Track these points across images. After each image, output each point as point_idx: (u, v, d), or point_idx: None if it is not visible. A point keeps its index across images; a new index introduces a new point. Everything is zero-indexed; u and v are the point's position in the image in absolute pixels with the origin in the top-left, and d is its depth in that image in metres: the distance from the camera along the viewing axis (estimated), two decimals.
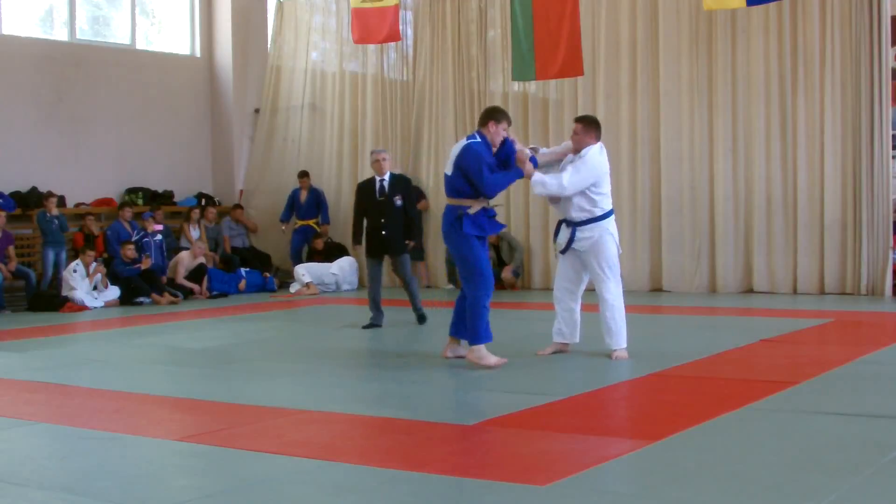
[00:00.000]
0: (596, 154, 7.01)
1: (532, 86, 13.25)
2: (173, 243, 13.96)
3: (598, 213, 7.07)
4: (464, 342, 7.04)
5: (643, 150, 12.61)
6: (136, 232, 13.29)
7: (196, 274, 13.39)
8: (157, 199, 14.65)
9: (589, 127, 7.07)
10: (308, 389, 6.56)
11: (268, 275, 14.32)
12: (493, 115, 6.94)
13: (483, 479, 4.16)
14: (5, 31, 13.30)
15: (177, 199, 15.01)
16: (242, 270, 14.01)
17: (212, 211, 14.70)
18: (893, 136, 11.24)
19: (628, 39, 12.67)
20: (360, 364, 7.34)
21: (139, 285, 12.59)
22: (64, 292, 12.11)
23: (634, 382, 6.32)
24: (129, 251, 12.69)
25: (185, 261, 13.35)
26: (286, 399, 6.13)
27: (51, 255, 12.58)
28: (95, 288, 12.32)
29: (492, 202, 6.99)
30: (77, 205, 13.83)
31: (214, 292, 13.40)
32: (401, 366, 7.01)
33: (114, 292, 12.46)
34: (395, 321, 9.67)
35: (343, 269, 13.97)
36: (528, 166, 6.93)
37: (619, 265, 7.27)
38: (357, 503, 3.93)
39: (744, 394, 5.74)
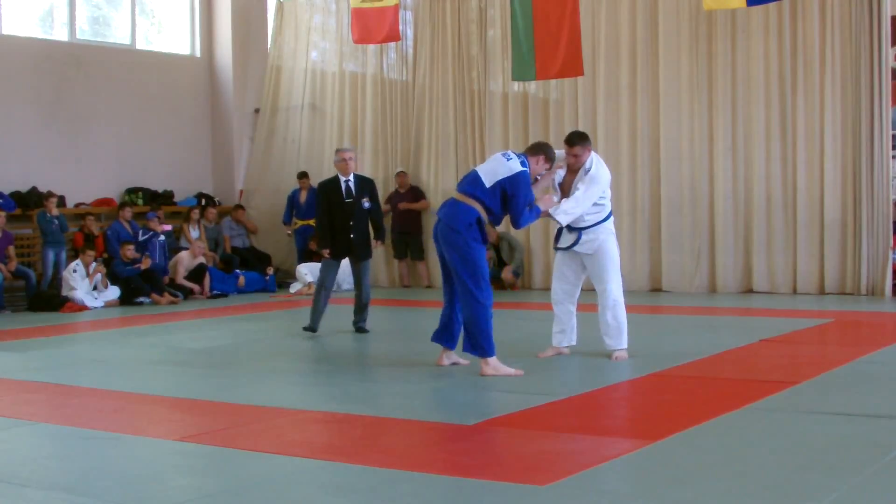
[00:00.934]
0: (601, 165, 7.06)
1: (532, 86, 13.25)
2: (173, 243, 13.96)
3: (602, 216, 7.07)
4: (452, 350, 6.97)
5: (643, 150, 12.61)
6: (142, 232, 13.30)
7: (197, 274, 13.39)
8: (157, 199, 14.65)
9: (586, 143, 7.03)
10: (308, 389, 6.57)
11: (270, 273, 14.29)
12: (548, 153, 6.83)
13: (483, 479, 4.15)
14: (5, 31, 13.30)
15: (177, 199, 15.02)
16: (238, 271, 14.02)
17: (212, 211, 14.71)
18: (893, 136, 11.25)
19: (628, 39, 12.67)
20: (359, 364, 7.34)
21: (139, 285, 12.59)
22: (64, 292, 12.11)
23: (634, 382, 6.32)
24: (129, 251, 12.69)
25: (184, 261, 13.35)
26: (286, 399, 6.13)
27: (51, 255, 12.58)
28: (95, 288, 12.32)
29: None
30: (77, 205, 13.83)
31: (215, 292, 13.40)
32: (400, 366, 7.00)
33: (114, 292, 12.46)
34: (396, 322, 9.66)
35: (343, 267, 13.95)
36: (547, 201, 6.87)
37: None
38: (357, 503, 3.93)
39: (744, 394, 5.74)
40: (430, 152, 14.24)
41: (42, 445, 5.07)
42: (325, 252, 9.04)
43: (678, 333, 8.85)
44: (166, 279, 13.03)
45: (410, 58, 14.50)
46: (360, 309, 9.05)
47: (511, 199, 6.54)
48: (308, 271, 13.51)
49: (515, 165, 6.56)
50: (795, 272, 11.80)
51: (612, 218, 7.26)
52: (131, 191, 14.47)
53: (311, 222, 14.48)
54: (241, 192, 15.51)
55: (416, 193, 14.14)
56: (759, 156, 11.95)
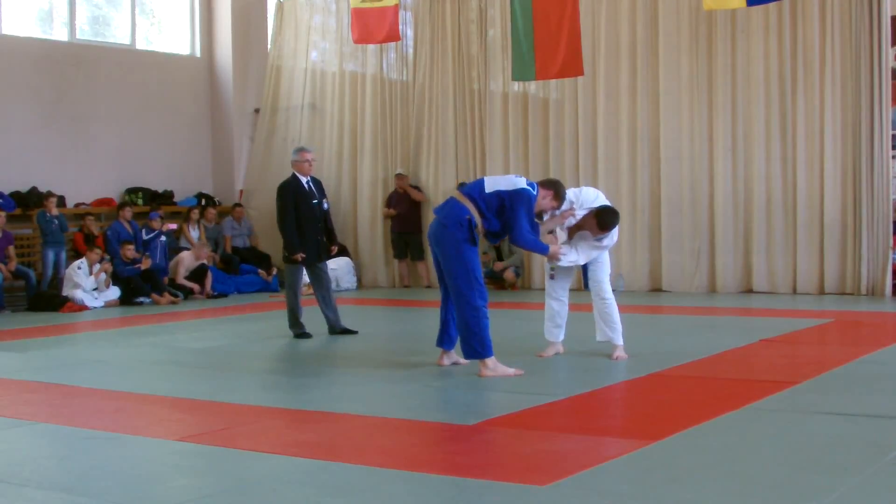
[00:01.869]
0: (613, 236, 7.14)
1: (532, 86, 13.25)
2: (173, 243, 13.97)
3: None
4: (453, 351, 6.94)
5: (643, 150, 12.62)
6: (145, 231, 13.31)
7: (198, 274, 13.39)
8: (157, 199, 14.66)
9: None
10: (307, 389, 6.57)
11: (272, 274, 14.27)
12: (557, 190, 6.75)
13: (483, 479, 4.15)
14: (5, 31, 13.30)
15: (177, 199, 15.02)
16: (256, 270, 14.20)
17: (212, 211, 14.71)
18: (893, 136, 11.25)
19: (628, 39, 12.67)
20: (359, 364, 7.33)
21: (139, 285, 12.59)
22: (66, 290, 12.12)
23: (634, 382, 6.32)
24: (129, 251, 12.69)
25: (185, 261, 13.35)
26: (286, 399, 6.14)
27: (51, 256, 12.58)
28: (96, 289, 12.32)
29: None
30: (77, 205, 13.83)
31: (215, 293, 13.40)
32: (400, 366, 7.00)
33: (114, 292, 12.46)
34: (396, 322, 9.66)
35: (341, 267, 13.97)
36: (554, 247, 6.84)
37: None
38: (357, 503, 3.93)
39: (744, 394, 5.74)
40: (430, 152, 14.24)
41: (42, 445, 5.07)
42: (299, 257, 8.73)
43: (678, 333, 8.84)
44: (166, 279, 13.03)
45: (410, 58, 14.50)
46: (333, 311, 8.89)
47: (509, 211, 6.48)
48: (309, 270, 13.48)
49: (521, 182, 6.54)
50: (795, 272, 11.80)
51: None
52: (131, 191, 14.47)
53: None
54: (241, 192, 15.51)
55: (416, 192, 14.16)
56: (759, 156, 11.95)
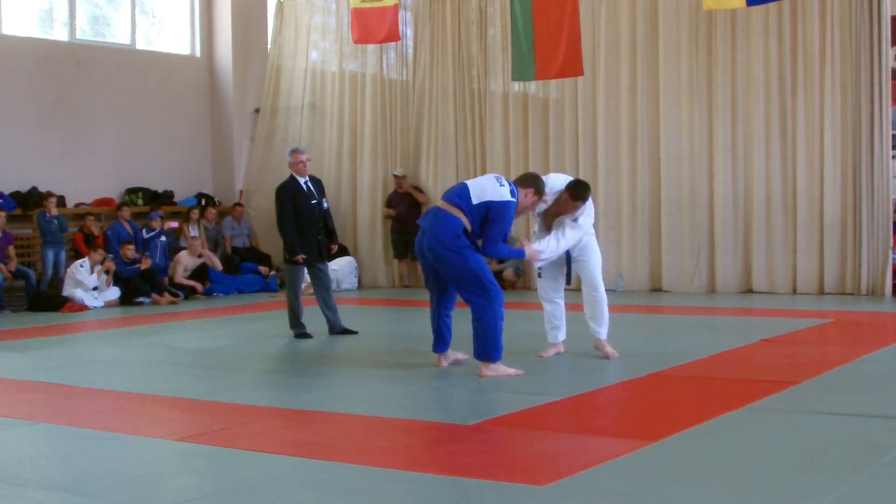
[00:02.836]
0: (588, 214, 6.97)
1: (532, 86, 13.25)
2: (173, 243, 13.97)
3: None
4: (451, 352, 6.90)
5: (643, 150, 12.62)
6: (145, 230, 13.32)
7: (199, 273, 13.39)
8: (157, 199, 14.65)
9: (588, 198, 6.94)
10: (307, 389, 6.56)
11: (271, 273, 14.27)
12: (538, 186, 6.63)
13: (483, 479, 4.15)
14: (5, 31, 13.30)
15: (177, 199, 15.02)
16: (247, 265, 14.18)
17: (212, 211, 14.71)
18: (893, 136, 11.25)
19: (628, 39, 12.68)
20: (359, 364, 7.33)
21: (139, 285, 12.59)
22: (66, 290, 12.12)
23: (634, 382, 6.32)
24: (129, 251, 12.69)
25: (184, 260, 13.35)
26: (285, 399, 6.14)
27: (50, 256, 12.59)
28: (96, 288, 12.31)
29: None
30: (77, 205, 13.83)
31: (215, 293, 13.41)
32: (400, 366, 7.00)
33: (114, 292, 12.46)
34: (396, 322, 9.66)
35: (343, 267, 13.98)
36: (529, 248, 6.77)
37: None
38: (357, 503, 3.93)
39: (744, 394, 5.74)
40: (430, 152, 14.24)
41: (42, 445, 5.07)
42: (300, 258, 8.72)
43: (678, 333, 8.84)
44: (166, 279, 13.03)
45: (410, 58, 14.50)
46: (333, 311, 8.86)
47: (490, 223, 6.41)
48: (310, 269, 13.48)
49: (506, 193, 6.42)
50: (795, 272, 11.80)
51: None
52: (131, 191, 14.47)
53: None
54: (241, 192, 15.50)
55: (416, 192, 14.16)
56: (758, 156, 11.95)
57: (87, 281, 12.14)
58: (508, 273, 12.94)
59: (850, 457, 4.36)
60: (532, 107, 13.41)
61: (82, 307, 11.95)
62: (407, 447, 4.89)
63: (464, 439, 4.93)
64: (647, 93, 12.58)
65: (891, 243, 11.18)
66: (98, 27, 14.64)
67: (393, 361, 7.29)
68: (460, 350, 6.97)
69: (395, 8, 12.89)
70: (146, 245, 13.18)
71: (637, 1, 12.60)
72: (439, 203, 6.60)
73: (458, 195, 6.48)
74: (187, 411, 5.77)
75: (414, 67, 14.45)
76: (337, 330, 8.84)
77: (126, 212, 13.46)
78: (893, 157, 11.27)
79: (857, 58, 11.29)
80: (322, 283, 8.91)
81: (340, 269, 13.94)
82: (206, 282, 13.39)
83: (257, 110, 15.62)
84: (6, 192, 12.95)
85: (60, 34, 14.03)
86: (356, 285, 14.22)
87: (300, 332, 8.76)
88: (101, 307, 12.17)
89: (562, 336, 7.28)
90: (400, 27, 13.35)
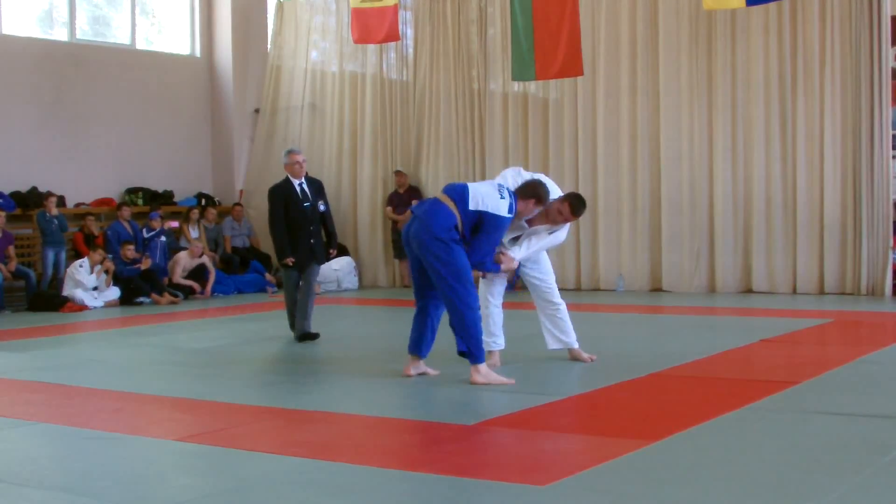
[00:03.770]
0: (565, 229, 6.87)
1: (532, 86, 13.26)
2: (173, 243, 13.97)
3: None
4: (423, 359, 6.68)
5: (643, 149, 12.62)
6: (145, 230, 13.33)
7: (197, 273, 13.39)
8: (157, 199, 14.65)
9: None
10: (307, 389, 6.56)
11: (272, 284, 14.23)
12: (539, 195, 6.46)
13: (483, 479, 4.15)
14: (5, 31, 13.30)
15: (177, 199, 15.02)
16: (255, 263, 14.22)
17: (212, 211, 14.71)
18: (893, 136, 11.25)
19: (628, 39, 12.68)
20: (358, 364, 7.33)
21: (139, 285, 12.59)
22: (66, 290, 12.12)
23: (634, 382, 6.31)
24: (130, 251, 12.69)
25: (182, 261, 13.35)
26: (285, 399, 6.13)
27: (51, 256, 12.59)
28: (96, 288, 12.31)
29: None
30: (77, 205, 13.83)
31: (215, 294, 13.41)
32: (400, 366, 6.99)
33: (114, 292, 12.46)
34: (395, 322, 9.65)
35: (343, 267, 13.99)
36: (507, 259, 6.61)
37: None
38: (357, 503, 3.93)
39: (744, 394, 5.73)
40: (430, 152, 14.24)
41: (42, 445, 5.07)
42: (289, 261, 8.53)
43: (678, 333, 8.84)
44: (166, 280, 13.03)
45: (410, 58, 14.50)
46: (306, 314, 8.57)
47: (481, 233, 6.29)
48: None
49: (504, 208, 6.27)
50: (795, 272, 11.80)
51: None
52: (131, 191, 14.47)
53: None
54: (241, 192, 15.50)
55: (415, 193, 14.14)
56: (758, 156, 11.95)
57: (86, 281, 12.15)
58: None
59: (850, 457, 4.36)
60: (532, 107, 13.41)
61: (82, 307, 11.95)
62: (407, 447, 4.89)
63: (464, 439, 4.93)
64: (647, 93, 12.58)
65: (891, 243, 11.18)
66: (98, 27, 14.64)
67: (392, 361, 7.28)
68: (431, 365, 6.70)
69: (395, 8, 12.88)
70: (146, 245, 13.18)
71: (637, 1, 12.60)
72: (438, 195, 6.46)
73: (458, 194, 6.35)
74: (187, 411, 5.77)
75: (414, 67, 14.45)
76: (299, 333, 8.54)
77: (126, 212, 13.46)
78: (893, 157, 11.28)
79: (857, 58, 11.29)
80: (306, 285, 8.61)
81: (341, 268, 13.96)
82: (204, 282, 13.37)
83: (257, 110, 15.62)
84: (6, 192, 12.95)
85: (60, 34, 14.03)
86: (356, 285, 14.22)
87: (306, 333, 8.56)
88: (101, 307, 12.17)
89: (502, 344, 6.96)
90: (400, 27, 13.35)
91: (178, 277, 13.22)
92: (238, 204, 15.04)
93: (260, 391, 6.52)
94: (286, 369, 7.47)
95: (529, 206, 6.48)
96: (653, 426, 5.06)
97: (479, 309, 6.30)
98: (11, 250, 12.39)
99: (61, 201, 13.30)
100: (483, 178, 12.84)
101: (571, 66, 11.70)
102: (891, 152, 11.22)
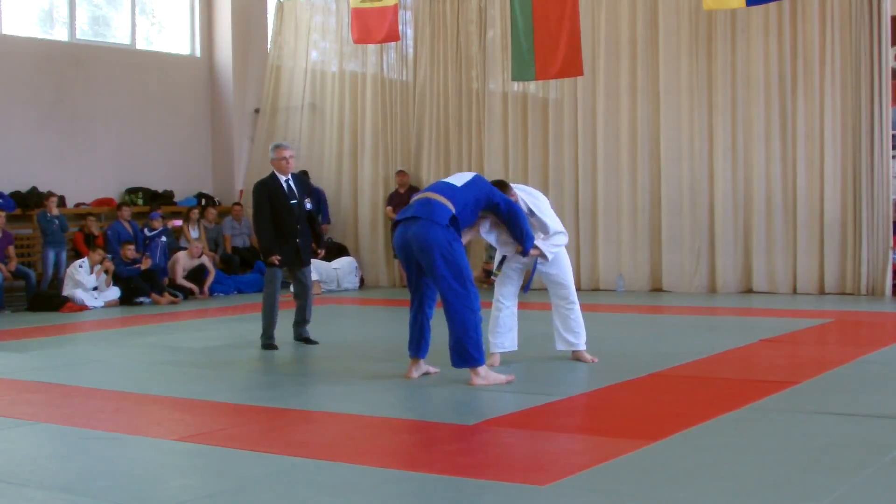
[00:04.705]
0: (535, 196, 6.87)
1: (532, 86, 13.26)
2: (173, 243, 13.97)
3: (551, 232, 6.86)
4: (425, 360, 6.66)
5: (643, 149, 12.62)
6: (147, 229, 13.33)
7: (197, 274, 13.39)
8: (157, 199, 14.66)
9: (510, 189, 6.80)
10: (307, 389, 6.57)
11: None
12: (508, 189, 6.63)
13: (483, 479, 4.15)
14: (5, 31, 13.30)
15: (177, 199, 15.02)
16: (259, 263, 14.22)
17: (212, 211, 14.71)
18: (893, 136, 11.25)
19: (628, 39, 12.68)
20: (358, 364, 7.33)
21: (139, 285, 12.59)
22: (66, 290, 12.12)
23: (634, 382, 6.32)
24: (130, 251, 12.69)
25: (181, 261, 13.35)
26: (285, 399, 6.13)
27: (51, 256, 12.59)
28: (96, 288, 12.31)
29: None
30: (77, 205, 13.83)
31: (214, 294, 13.41)
32: (400, 366, 6.99)
33: (114, 292, 12.46)
34: (395, 322, 9.64)
35: (344, 267, 13.99)
36: (540, 245, 6.66)
37: None
38: (357, 503, 3.93)
39: (744, 394, 5.74)
40: (430, 152, 14.25)
41: (42, 445, 5.07)
42: (275, 259, 8.19)
43: (678, 333, 8.84)
44: (166, 280, 13.03)
45: (410, 58, 14.51)
46: (305, 319, 8.45)
47: (508, 224, 6.38)
48: (313, 268, 13.44)
49: (495, 190, 6.41)
50: (795, 272, 11.80)
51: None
52: (131, 191, 14.48)
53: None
54: (241, 191, 15.51)
55: (415, 193, 14.11)
56: (759, 156, 11.95)
57: (85, 281, 12.15)
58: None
59: (850, 457, 4.36)
60: (532, 107, 13.41)
61: (82, 307, 11.95)
62: (407, 447, 4.89)
63: (464, 439, 4.93)
64: (647, 93, 12.58)
65: (891, 243, 11.18)
66: (98, 27, 14.65)
67: (393, 362, 7.29)
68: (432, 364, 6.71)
69: (395, 8, 12.89)
70: (146, 245, 13.18)
71: (637, 1, 12.60)
72: (427, 195, 6.36)
73: (440, 187, 6.40)
74: (187, 411, 5.77)
75: (414, 67, 14.46)
76: (300, 337, 8.44)
77: (126, 212, 13.46)
78: (893, 157, 11.28)
79: (857, 58, 11.29)
80: (303, 292, 8.44)
81: (341, 268, 13.97)
82: (203, 283, 13.37)
83: (257, 110, 15.62)
84: (6, 192, 12.95)
85: (60, 34, 14.04)
86: (357, 285, 14.22)
87: (268, 342, 8.23)
88: (101, 307, 12.17)
89: (505, 347, 6.92)
90: (400, 27, 13.36)
91: (180, 278, 13.22)
92: (238, 204, 15.05)
93: (260, 391, 6.52)
94: (286, 369, 7.47)
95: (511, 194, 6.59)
96: (653, 426, 5.06)
97: (479, 311, 6.26)
98: (11, 250, 12.39)
99: (61, 201, 13.30)
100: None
101: (571, 66, 11.70)
102: (891, 152, 11.22)
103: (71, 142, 13.91)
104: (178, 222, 14.02)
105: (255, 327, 9.95)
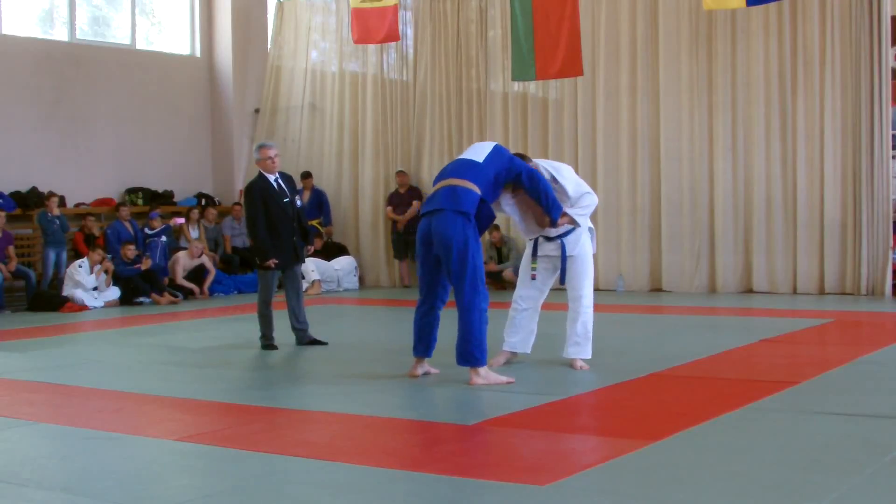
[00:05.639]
0: (555, 168, 6.78)
1: (532, 86, 13.26)
2: (173, 243, 13.97)
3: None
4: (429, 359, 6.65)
5: (643, 149, 12.62)
6: (147, 228, 13.34)
7: (196, 274, 13.39)
8: (157, 199, 14.66)
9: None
10: (307, 389, 6.56)
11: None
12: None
13: (483, 479, 4.15)
14: (5, 31, 13.30)
15: (177, 199, 15.02)
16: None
17: (212, 211, 14.71)
18: (893, 136, 11.25)
19: (628, 39, 12.68)
20: (358, 364, 7.33)
21: (139, 285, 12.59)
22: (66, 290, 12.12)
23: (634, 382, 6.32)
24: (130, 251, 12.69)
25: (181, 261, 13.35)
26: (285, 399, 6.13)
27: (52, 256, 12.59)
28: (96, 288, 12.31)
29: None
30: (77, 205, 13.84)
31: (215, 294, 13.41)
32: (400, 366, 7.00)
33: (114, 292, 12.46)
34: (396, 322, 9.66)
35: (344, 267, 13.99)
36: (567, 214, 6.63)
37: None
38: (357, 503, 3.93)
39: (744, 394, 5.74)
40: (431, 152, 14.25)
41: (42, 445, 5.07)
42: (272, 263, 8.06)
43: (678, 333, 8.84)
44: (166, 280, 13.03)
45: (410, 58, 14.51)
46: (299, 315, 8.29)
47: (532, 191, 6.36)
48: (315, 267, 13.47)
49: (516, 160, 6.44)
50: (795, 272, 11.80)
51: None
52: (131, 191, 14.48)
53: (314, 223, 14.41)
54: (241, 191, 15.49)
55: (415, 193, 14.15)
56: (759, 156, 11.95)
57: (85, 281, 12.14)
58: (508, 273, 12.93)
59: (850, 457, 4.36)
60: (532, 107, 13.41)
61: (82, 307, 11.95)
62: (407, 447, 4.89)
63: (464, 439, 4.93)
64: (647, 93, 12.58)
65: (891, 243, 11.18)
66: (98, 27, 14.65)
67: (393, 361, 7.29)
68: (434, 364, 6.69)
69: (395, 8, 12.89)
70: (146, 245, 13.19)
71: (637, 1, 12.60)
72: (451, 182, 6.25)
73: (460, 168, 6.31)
74: (187, 411, 5.77)
75: (414, 67, 14.46)
76: (305, 341, 8.35)
77: (124, 211, 13.46)
78: (893, 157, 11.27)
79: (857, 58, 11.29)
80: (293, 289, 8.30)
81: (342, 268, 13.96)
82: (203, 283, 13.36)
83: (257, 110, 15.62)
84: (6, 192, 12.95)
85: (60, 34, 14.04)
86: (357, 285, 14.22)
87: (268, 343, 8.21)
88: (101, 307, 12.17)
89: (523, 348, 6.88)
90: (400, 27, 13.37)
91: (180, 278, 13.22)
92: (238, 204, 15.03)
93: (259, 391, 6.52)
94: (286, 369, 7.46)
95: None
96: (653, 426, 5.06)
97: (487, 311, 6.22)
98: (11, 250, 12.39)
99: (61, 201, 13.30)
100: None
101: (571, 67, 11.70)
102: (891, 152, 11.22)
103: (71, 142, 13.92)
104: (181, 220, 14.03)
105: (255, 327, 9.94)
